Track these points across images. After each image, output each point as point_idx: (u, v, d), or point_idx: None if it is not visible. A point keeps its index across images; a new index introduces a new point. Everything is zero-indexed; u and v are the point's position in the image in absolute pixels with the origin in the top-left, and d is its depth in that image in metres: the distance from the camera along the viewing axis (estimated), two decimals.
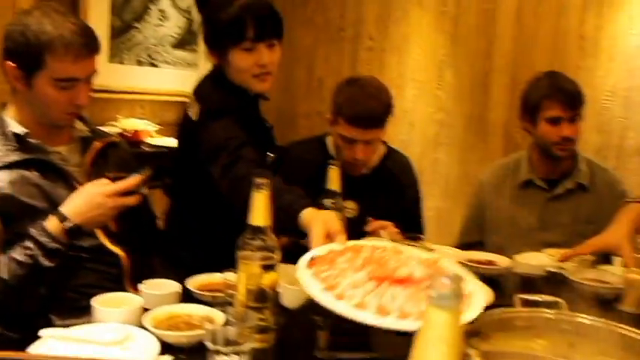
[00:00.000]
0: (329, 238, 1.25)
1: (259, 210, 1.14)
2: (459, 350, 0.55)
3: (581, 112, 2.14)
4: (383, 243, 1.30)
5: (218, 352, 1.02)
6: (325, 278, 1.06)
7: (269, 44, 1.72)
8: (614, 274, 1.67)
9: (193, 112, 1.75)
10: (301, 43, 4.31)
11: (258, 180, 1.15)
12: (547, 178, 2.24)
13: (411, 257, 1.18)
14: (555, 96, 2.11)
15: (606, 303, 1.52)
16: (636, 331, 1.24)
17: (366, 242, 1.29)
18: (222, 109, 1.71)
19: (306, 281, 1.06)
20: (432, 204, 3.79)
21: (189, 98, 1.82)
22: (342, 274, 1.07)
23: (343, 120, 2.00)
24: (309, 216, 1.33)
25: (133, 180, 1.45)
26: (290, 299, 1.39)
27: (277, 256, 1.17)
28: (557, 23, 3.62)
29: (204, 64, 3.90)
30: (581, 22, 3.55)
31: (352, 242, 1.26)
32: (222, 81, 1.78)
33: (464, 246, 2.16)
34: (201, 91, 1.81)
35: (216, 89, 1.78)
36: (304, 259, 1.15)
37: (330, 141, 2.18)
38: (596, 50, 3.52)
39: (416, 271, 1.10)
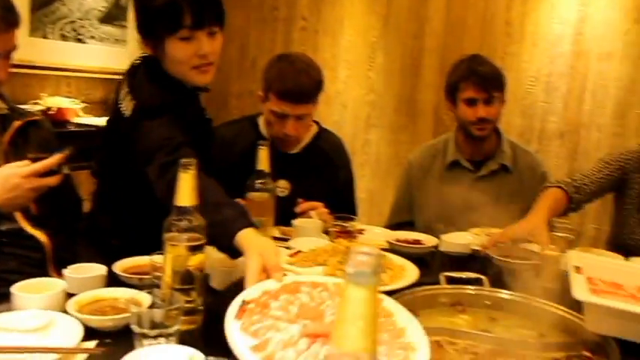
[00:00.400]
0: (265, 272, 1.15)
1: (185, 190, 1.12)
2: (377, 326, 0.57)
3: (499, 95, 2.21)
4: (323, 279, 1.18)
5: (144, 335, 1.01)
6: (255, 332, 0.96)
7: (209, 32, 1.57)
8: (533, 251, 1.75)
9: (126, 108, 1.59)
10: (234, 22, 4.24)
11: (185, 160, 1.13)
12: (472, 159, 2.32)
13: None
14: (470, 78, 2.19)
15: (525, 279, 1.59)
16: (550, 303, 1.32)
17: (305, 279, 1.17)
18: (159, 107, 1.56)
19: (234, 338, 0.95)
20: (364, 185, 3.86)
21: (121, 83, 1.66)
22: (274, 327, 0.97)
23: (274, 95, 2.00)
24: (247, 241, 1.22)
25: (51, 160, 1.39)
26: (218, 280, 1.39)
27: (204, 236, 1.15)
28: (485, 7, 3.72)
29: (134, 41, 3.80)
30: (507, 8, 3.66)
31: (290, 279, 1.16)
32: (158, 73, 1.62)
33: (394, 226, 2.21)
34: (135, 85, 1.62)
35: (151, 84, 1.61)
36: (234, 305, 1.04)
37: (261, 121, 2.18)
38: (522, 36, 3.65)
39: None
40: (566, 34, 3.54)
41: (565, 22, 3.54)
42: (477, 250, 1.85)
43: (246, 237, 1.22)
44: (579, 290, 1.22)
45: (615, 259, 1.74)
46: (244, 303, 1.04)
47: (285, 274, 1.16)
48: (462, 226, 2.07)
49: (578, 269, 1.38)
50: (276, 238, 1.79)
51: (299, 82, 1.98)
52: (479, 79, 2.18)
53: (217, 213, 1.24)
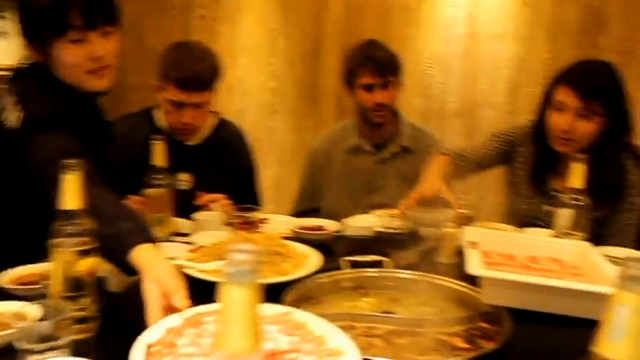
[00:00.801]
0: (166, 297, 1.06)
1: (70, 193, 1.06)
2: (259, 324, 0.56)
3: (395, 79, 2.26)
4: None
5: (30, 351, 0.95)
6: None
7: (103, 32, 1.45)
8: (443, 213, 1.80)
9: (13, 118, 1.43)
10: (129, 12, 4.04)
11: (68, 161, 1.06)
12: (374, 142, 2.35)
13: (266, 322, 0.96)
14: (366, 64, 2.22)
15: (426, 257, 1.64)
16: (449, 280, 1.36)
17: (207, 308, 1.05)
18: (51, 119, 1.41)
19: None
20: (270, 173, 3.84)
21: (5, 90, 1.49)
22: None
23: (171, 84, 1.96)
24: (143, 262, 1.12)
25: None
26: (115, 282, 1.33)
27: (94, 240, 1.10)
28: None
29: (16, 33, 3.56)
30: None
31: (192, 311, 1.04)
32: (47, 81, 1.48)
33: (300, 214, 2.21)
34: (23, 94, 1.46)
35: (40, 93, 1.47)
36: (138, 350, 0.91)
37: (157, 113, 2.11)
38: (418, 20, 3.74)
39: (278, 342, 0.92)
40: (459, 17, 3.66)
41: (458, 5, 3.66)
42: (381, 232, 1.88)
43: (142, 257, 1.13)
44: (472, 265, 1.28)
45: (509, 232, 1.83)
46: (149, 347, 0.94)
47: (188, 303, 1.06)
48: (366, 209, 2.11)
49: (473, 244, 1.44)
50: (176, 234, 1.75)
51: (197, 69, 1.95)
52: (375, 64, 2.21)
53: (112, 226, 1.15)
